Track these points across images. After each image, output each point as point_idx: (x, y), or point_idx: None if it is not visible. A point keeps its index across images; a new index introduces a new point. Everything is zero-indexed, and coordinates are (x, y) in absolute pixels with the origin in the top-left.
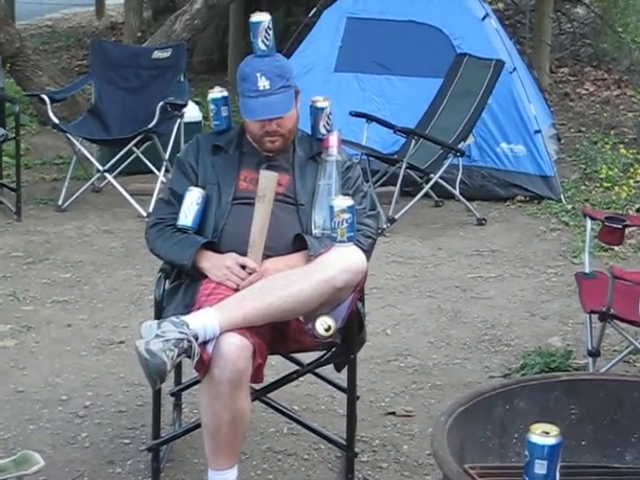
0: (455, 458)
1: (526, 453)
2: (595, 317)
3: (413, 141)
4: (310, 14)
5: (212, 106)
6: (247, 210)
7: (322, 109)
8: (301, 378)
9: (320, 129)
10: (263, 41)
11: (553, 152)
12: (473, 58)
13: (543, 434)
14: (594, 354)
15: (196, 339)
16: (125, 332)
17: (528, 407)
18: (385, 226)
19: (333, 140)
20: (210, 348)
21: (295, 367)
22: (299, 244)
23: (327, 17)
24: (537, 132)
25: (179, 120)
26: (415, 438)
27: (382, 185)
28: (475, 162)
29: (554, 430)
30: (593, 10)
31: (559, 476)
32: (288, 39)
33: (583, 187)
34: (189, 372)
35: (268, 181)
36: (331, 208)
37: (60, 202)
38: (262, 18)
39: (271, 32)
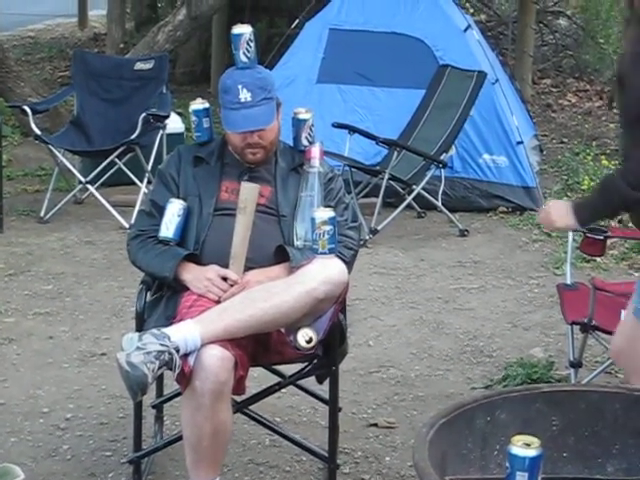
0: (436, 470)
1: (507, 465)
2: (577, 328)
3: (395, 152)
4: (293, 25)
5: (194, 118)
6: (229, 221)
7: (304, 121)
8: (283, 390)
9: (302, 141)
10: (245, 53)
11: (535, 163)
12: (455, 69)
13: (524, 446)
14: (576, 365)
15: (177, 351)
16: (107, 344)
17: (510, 419)
18: (367, 237)
19: (315, 152)
20: (191, 360)
21: (277, 379)
22: (281, 256)
23: (309, 28)
24: (519, 143)
25: (161, 131)
26: (397, 449)
27: (365, 196)
28: (457, 173)
29: (535, 442)
30: (575, 22)
31: None
32: (271, 50)
33: (565, 198)
34: (170, 384)
35: (249, 192)
36: (312, 220)
37: (42, 213)
38: (243, 30)
39: (253, 44)
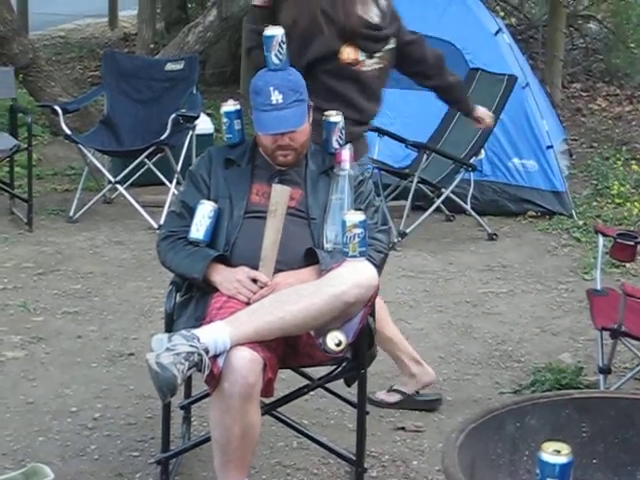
0: (465, 475)
1: (537, 471)
2: (606, 334)
3: (425, 155)
4: None
5: (225, 119)
6: (259, 224)
7: (335, 123)
8: (311, 392)
9: (333, 143)
10: (277, 55)
11: (565, 167)
12: (486, 73)
13: (555, 452)
14: (605, 371)
15: (207, 353)
16: (135, 344)
17: (539, 425)
18: (396, 240)
19: (346, 154)
20: (221, 362)
21: (305, 381)
22: (311, 258)
23: None
24: (549, 147)
25: (191, 132)
26: (425, 454)
27: (394, 199)
28: (487, 177)
29: (566, 449)
30: (606, 26)
31: None
32: None
33: (595, 203)
34: (199, 385)
35: (280, 195)
36: (343, 223)
37: (71, 213)
38: (275, 32)
39: (284, 46)
